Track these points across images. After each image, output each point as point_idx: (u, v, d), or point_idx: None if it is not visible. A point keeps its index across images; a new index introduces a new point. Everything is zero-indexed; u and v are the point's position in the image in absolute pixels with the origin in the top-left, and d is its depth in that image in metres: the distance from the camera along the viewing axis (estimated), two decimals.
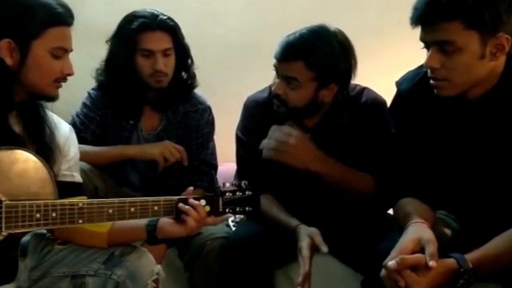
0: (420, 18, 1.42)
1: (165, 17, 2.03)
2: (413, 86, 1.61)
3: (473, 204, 1.59)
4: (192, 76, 2.16)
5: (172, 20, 2.06)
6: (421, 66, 1.61)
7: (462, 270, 1.31)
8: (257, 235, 1.85)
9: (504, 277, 1.40)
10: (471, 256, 1.34)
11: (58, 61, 1.48)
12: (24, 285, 1.52)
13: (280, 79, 1.86)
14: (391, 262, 1.30)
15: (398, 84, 1.68)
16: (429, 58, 1.44)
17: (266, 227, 1.88)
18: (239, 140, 2.05)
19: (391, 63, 2.80)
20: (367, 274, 1.72)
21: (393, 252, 1.34)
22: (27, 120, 1.50)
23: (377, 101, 1.92)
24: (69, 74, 1.52)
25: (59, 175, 1.54)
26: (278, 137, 1.83)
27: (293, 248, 1.87)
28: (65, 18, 1.47)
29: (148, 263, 1.54)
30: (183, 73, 2.14)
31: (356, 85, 1.98)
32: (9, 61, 1.42)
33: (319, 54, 1.78)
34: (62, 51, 1.48)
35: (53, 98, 1.53)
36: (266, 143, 1.83)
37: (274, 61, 1.86)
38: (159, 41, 2.01)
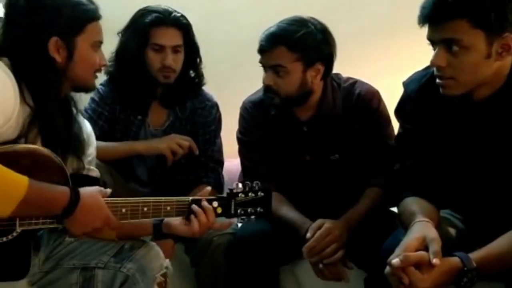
0: (428, 16, 1.44)
1: (178, 15, 2.06)
2: (420, 87, 1.62)
3: (478, 204, 1.59)
4: (200, 74, 2.17)
5: (185, 18, 2.08)
6: (428, 67, 1.62)
7: (466, 269, 1.32)
8: (263, 232, 1.86)
9: (507, 276, 1.41)
10: (475, 255, 1.35)
11: (97, 54, 1.55)
12: (35, 278, 1.54)
13: (268, 71, 1.90)
14: (395, 260, 1.30)
15: (405, 84, 1.69)
16: (435, 57, 1.45)
17: (273, 224, 1.89)
18: (240, 142, 2.09)
19: (398, 62, 2.80)
20: (371, 272, 1.74)
21: (398, 250, 1.35)
22: (62, 114, 1.54)
23: (371, 92, 1.97)
24: (105, 65, 1.61)
25: (84, 169, 1.59)
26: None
27: (299, 245, 1.88)
28: (98, 12, 1.56)
29: (157, 257, 1.55)
30: (191, 71, 2.16)
31: (348, 77, 2.02)
32: (58, 58, 1.49)
33: (298, 35, 1.84)
34: (99, 44, 1.56)
35: (92, 88, 1.61)
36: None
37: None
38: (171, 37, 2.04)
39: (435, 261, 1.30)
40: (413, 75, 1.69)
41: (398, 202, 1.63)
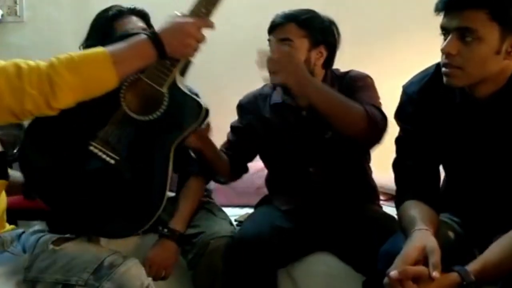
0: (448, 3, 1.45)
1: (132, 6, 2.12)
2: (421, 87, 1.63)
3: (479, 206, 1.59)
4: None
5: (140, 8, 2.14)
6: (426, 69, 1.63)
7: (465, 283, 1.30)
8: (261, 235, 1.85)
9: (501, 281, 1.39)
10: (472, 268, 1.33)
11: None
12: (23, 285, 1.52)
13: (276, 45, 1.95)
14: (393, 272, 1.29)
15: (405, 87, 1.69)
16: (447, 44, 1.45)
17: (271, 226, 1.89)
18: (231, 129, 2.16)
19: (397, 66, 2.80)
20: (369, 275, 1.74)
21: (397, 261, 1.33)
22: None
23: (361, 73, 2.02)
24: None
25: None
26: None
27: (297, 248, 1.90)
28: None
29: (138, 275, 1.52)
30: None
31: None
32: None
33: (307, 16, 1.96)
34: None
35: None
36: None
37: None
38: (135, 23, 2.08)
39: (434, 274, 1.28)
40: (412, 78, 1.69)
41: (398, 205, 1.62)
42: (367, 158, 2.10)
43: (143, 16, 2.12)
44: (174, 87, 1.52)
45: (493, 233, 1.43)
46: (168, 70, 1.51)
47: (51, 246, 1.58)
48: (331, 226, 1.93)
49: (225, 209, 2.24)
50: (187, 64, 1.58)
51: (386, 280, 1.32)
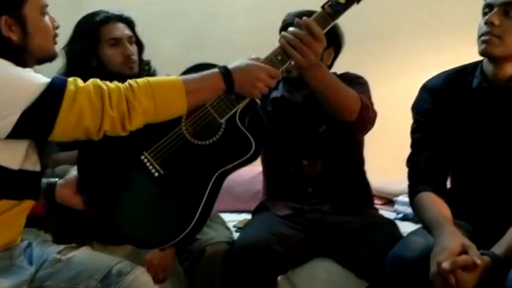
0: None
1: (120, 13, 2.14)
2: (443, 79, 1.77)
3: (489, 206, 1.66)
4: (150, 66, 2.24)
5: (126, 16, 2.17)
6: (446, 70, 1.78)
7: (495, 265, 1.45)
8: (260, 241, 1.83)
9: None
10: (499, 251, 1.47)
11: (47, 19, 1.51)
12: None
13: None
14: (445, 263, 1.41)
15: (425, 83, 1.81)
16: (491, 15, 1.61)
17: (270, 232, 1.87)
18: None
19: (395, 69, 2.82)
20: (373, 281, 1.74)
21: (444, 254, 1.44)
22: None
23: (356, 74, 2.06)
24: (57, 27, 1.55)
25: None
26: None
27: (297, 254, 1.88)
28: None
29: (146, 284, 1.51)
30: (144, 65, 2.22)
31: None
32: (13, 36, 1.43)
33: None
34: (45, 8, 1.50)
35: (55, 55, 1.57)
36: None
37: None
38: (123, 29, 2.11)
39: (479, 261, 1.42)
40: (433, 76, 1.81)
41: (412, 195, 1.72)
42: (360, 156, 2.11)
43: (130, 23, 2.14)
44: (232, 121, 1.59)
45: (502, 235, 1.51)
46: (232, 104, 1.57)
47: (58, 256, 1.54)
48: (331, 231, 1.92)
49: (223, 215, 2.22)
50: (251, 103, 1.62)
51: (434, 269, 1.44)
